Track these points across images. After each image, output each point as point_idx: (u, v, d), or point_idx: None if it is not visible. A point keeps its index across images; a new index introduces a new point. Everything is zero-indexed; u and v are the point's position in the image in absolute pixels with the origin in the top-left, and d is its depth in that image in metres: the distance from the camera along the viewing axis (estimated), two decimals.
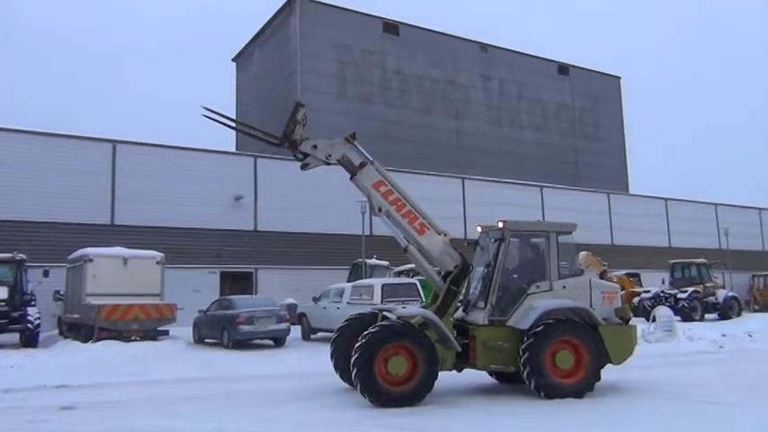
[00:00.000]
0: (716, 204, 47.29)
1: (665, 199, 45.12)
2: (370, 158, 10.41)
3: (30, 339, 19.14)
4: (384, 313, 10.60)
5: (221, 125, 10.58)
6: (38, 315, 19.54)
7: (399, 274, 25.31)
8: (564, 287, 10.41)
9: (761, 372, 12.22)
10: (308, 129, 10.36)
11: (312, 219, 29.88)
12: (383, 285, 18.87)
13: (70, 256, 21.73)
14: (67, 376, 12.98)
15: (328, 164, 10.35)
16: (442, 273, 10.52)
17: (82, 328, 19.87)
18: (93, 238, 23.81)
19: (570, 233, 10.86)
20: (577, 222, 11.09)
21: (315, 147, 10.20)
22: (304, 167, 10.40)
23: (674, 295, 28.66)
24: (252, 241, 29.27)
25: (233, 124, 11.42)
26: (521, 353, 9.78)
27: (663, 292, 29.67)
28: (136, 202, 26.67)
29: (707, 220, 45.84)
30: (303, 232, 30.10)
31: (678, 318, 23.14)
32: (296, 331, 20.98)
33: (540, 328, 9.78)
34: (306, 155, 10.24)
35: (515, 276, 10.80)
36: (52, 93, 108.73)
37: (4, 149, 24.78)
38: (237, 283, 28.31)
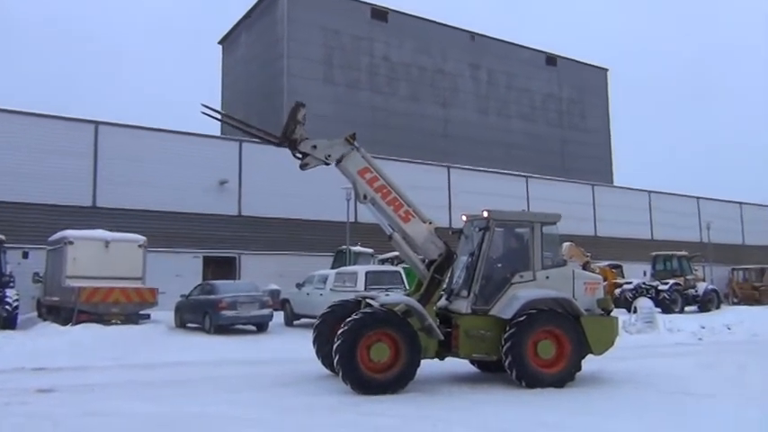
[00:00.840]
0: (698, 198, 47.75)
1: (649, 191, 45.46)
2: (357, 146, 10.36)
3: (8, 321, 18.89)
4: (367, 300, 10.58)
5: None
6: (16, 297, 19.30)
7: (383, 261, 25.29)
8: (547, 277, 10.43)
9: (739, 364, 12.35)
10: None
11: (297, 205, 29.73)
12: (367, 273, 18.85)
13: (50, 238, 21.46)
14: (46, 359, 12.87)
15: (327, 164, 10.30)
16: (426, 261, 10.51)
17: (61, 310, 19.66)
18: (74, 221, 23.51)
19: (555, 224, 10.87)
20: (562, 213, 11.09)
21: (314, 147, 10.18)
22: (303, 167, 10.39)
23: (656, 287, 28.91)
24: (235, 226, 29.09)
25: (232, 122, 11.35)
26: (503, 342, 9.80)
27: (644, 283, 29.93)
28: (118, 185, 26.36)
29: (689, 214, 46.29)
30: (287, 218, 29.96)
31: (659, 309, 23.35)
32: (279, 317, 20.96)
33: (522, 318, 9.80)
34: (305, 154, 10.19)
35: (499, 266, 10.81)
36: (33, 74, 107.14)
37: None
38: (220, 267, 28.14)
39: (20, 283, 20.98)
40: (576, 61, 54.32)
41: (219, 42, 50.30)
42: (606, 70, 56.66)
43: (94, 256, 19.79)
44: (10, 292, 19.29)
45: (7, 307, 18.88)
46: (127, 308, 19.42)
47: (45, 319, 20.83)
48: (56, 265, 20.62)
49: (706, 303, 29.69)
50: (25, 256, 21.71)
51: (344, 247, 25.79)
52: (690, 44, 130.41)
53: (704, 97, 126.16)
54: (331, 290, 19.11)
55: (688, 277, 30.33)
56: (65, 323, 18.67)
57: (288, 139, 10.13)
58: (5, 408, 8.29)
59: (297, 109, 10.16)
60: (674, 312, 27.04)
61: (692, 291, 29.90)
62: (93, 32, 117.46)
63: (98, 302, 18.87)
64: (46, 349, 14.53)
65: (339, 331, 9.33)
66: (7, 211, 24.20)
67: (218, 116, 10.36)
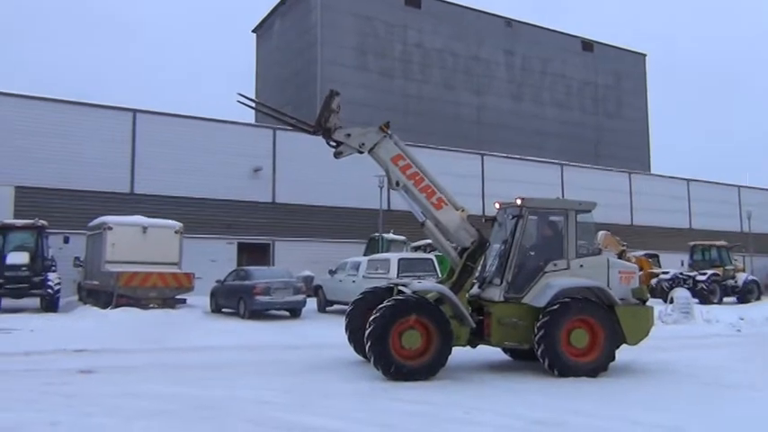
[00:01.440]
0: (739, 186, 46.55)
1: (687, 180, 44.47)
2: (390, 134, 10.34)
3: (50, 304, 19.48)
4: (400, 287, 10.60)
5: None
6: (58, 281, 19.86)
7: (416, 249, 25.29)
8: (581, 266, 10.32)
9: None
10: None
11: (330, 192, 29.87)
12: (399, 260, 18.90)
13: (90, 224, 21.98)
14: (86, 341, 13.19)
15: (361, 152, 10.32)
16: (459, 248, 10.48)
17: (101, 294, 20.16)
18: (113, 207, 24.05)
19: (590, 212, 10.74)
20: (597, 201, 10.95)
21: (348, 135, 10.19)
22: (337, 155, 10.42)
23: (693, 277, 28.33)
24: (269, 213, 29.37)
25: (266, 110, 11.43)
26: (536, 330, 9.74)
27: (681, 273, 29.38)
28: (155, 172, 26.82)
29: (729, 203, 45.17)
30: (321, 205, 30.12)
31: (696, 300, 22.96)
32: (311, 303, 21.14)
33: (556, 307, 9.72)
34: (339, 143, 10.23)
35: (532, 254, 10.72)
36: (70, 62, 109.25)
37: (26, 117, 24.95)
38: (254, 254, 28.48)
39: (61, 268, 21.60)
40: (613, 47, 53.31)
41: (253, 31, 50.58)
42: (644, 56, 55.50)
43: (133, 241, 20.22)
44: (52, 276, 19.86)
45: (49, 290, 19.46)
46: (164, 292, 19.83)
47: (85, 303, 21.39)
48: (95, 250, 21.11)
49: (745, 294, 29.02)
50: (66, 241, 22.30)
51: (377, 234, 25.86)
52: (731, 28, 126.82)
53: (747, 83, 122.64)
54: (363, 277, 19.21)
55: (727, 267, 29.61)
56: (104, 306, 19.15)
57: (322, 128, 10.16)
58: (48, 387, 8.55)
59: (331, 97, 10.17)
60: (712, 303, 26.49)
61: (731, 281, 29.20)
62: (131, 21, 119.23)
63: (136, 287, 19.30)
64: (86, 331, 14.94)
65: (371, 318, 9.36)
66: (49, 197, 24.83)
67: (253, 104, 10.42)
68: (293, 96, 41.60)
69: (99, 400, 7.78)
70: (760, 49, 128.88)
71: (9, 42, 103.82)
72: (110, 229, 20.15)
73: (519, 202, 10.46)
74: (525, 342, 10.07)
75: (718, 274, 28.70)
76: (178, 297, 20.49)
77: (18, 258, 19.65)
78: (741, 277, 29.81)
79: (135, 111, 27.41)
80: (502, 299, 10.17)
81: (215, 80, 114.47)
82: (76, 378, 9.42)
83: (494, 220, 11.35)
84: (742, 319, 19.86)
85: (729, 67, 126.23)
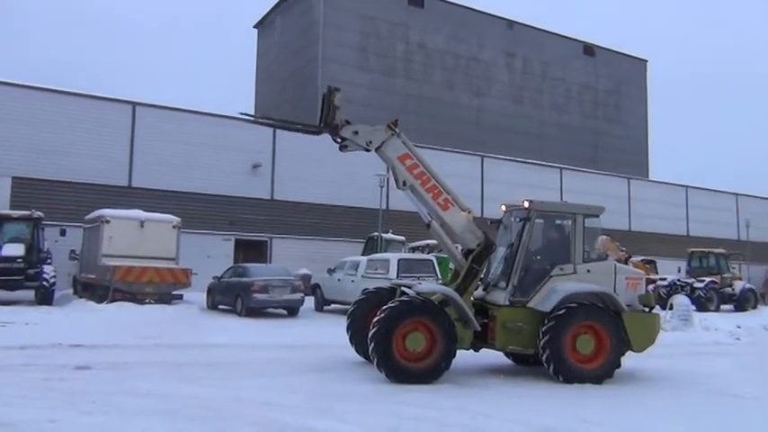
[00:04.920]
0: (737, 194, 46.60)
1: (686, 187, 44.48)
2: (398, 132, 10.20)
3: (45, 297, 19.24)
4: (403, 288, 10.46)
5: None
6: (53, 273, 19.63)
7: (414, 249, 25.18)
8: (588, 271, 10.19)
9: None
10: None
11: (329, 190, 29.72)
12: (399, 260, 18.76)
13: (87, 217, 21.78)
14: (82, 336, 13.00)
15: (368, 150, 10.14)
16: (464, 250, 10.34)
17: (97, 288, 19.96)
18: (110, 200, 23.84)
19: (598, 216, 10.62)
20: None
21: (356, 133, 10.02)
22: (343, 149, 10.23)
23: (691, 284, 28.28)
24: (267, 210, 29.19)
25: (270, 122, 11.22)
26: (541, 335, 9.61)
27: (679, 280, 29.32)
28: (153, 166, 26.62)
29: (727, 210, 45.23)
30: (320, 203, 29.96)
31: (693, 307, 22.87)
32: (309, 302, 20.97)
33: (562, 312, 9.59)
34: (345, 138, 10.06)
35: (539, 258, 10.58)
36: (70, 53, 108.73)
37: (25, 107, 24.73)
38: (252, 251, 28.30)
39: (56, 260, 21.37)
40: (615, 51, 53.27)
41: (255, 26, 50.34)
42: (645, 61, 55.50)
43: (130, 235, 20.02)
44: (47, 269, 19.63)
45: (44, 283, 19.23)
46: (160, 287, 19.64)
47: (80, 296, 21.20)
48: (92, 243, 20.91)
49: (743, 302, 29.01)
50: (62, 233, 22.07)
51: (376, 233, 25.71)
52: (731, 35, 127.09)
53: (747, 90, 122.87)
54: (363, 276, 19.07)
55: (725, 275, 29.58)
56: (100, 300, 18.97)
57: (328, 126, 10.01)
58: (45, 383, 8.38)
59: (332, 94, 10.00)
60: (710, 311, 26.42)
61: (728, 289, 29.18)
62: (130, 15, 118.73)
63: (132, 281, 19.10)
64: (82, 326, 14.76)
65: (375, 319, 9.21)
66: (45, 188, 24.60)
67: (254, 119, 10.34)
68: (293, 93, 41.42)
69: (97, 397, 7.61)
70: (761, 57, 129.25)
71: (9, 33, 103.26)
72: (107, 222, 19.95)
73: (527, 204, 10.32)
74: (530, 346, 9.94)
75: (716, 282, 28.65)
76: (174, 293, 20.30)
77: (13, 250, 19.39)
78: (738, 285, 29.79)
79: (134, 103, 27.21)
80: (507, 302, 10.04)
81: (216, 75, 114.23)
82: (74, 374, 9.24)
83: (499, 222, 11.21)
84: (739, 328, 19.81)
85: (730, 75, 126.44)
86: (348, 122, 10.06)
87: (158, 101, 28.72)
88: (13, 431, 6.01)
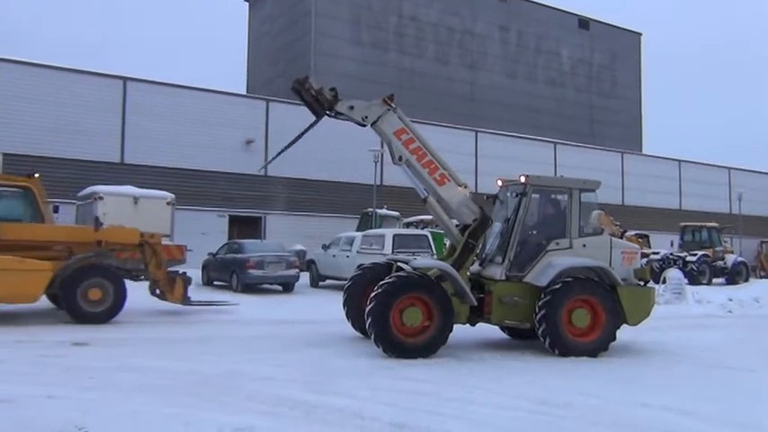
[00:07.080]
0: (729, 168, 46.74)
1: (679, 161, 44.58)
2: (394, 107, 10.11)
3: None
4: (400, 264, 10.47)
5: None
6: None
7: (408, 225, 25.18)
8: (584, 245, 10.23)
9: None
10: (319, 74, 10.04)
11: (323, 166, 29.59)
12: (394, 236, 18.74)
13: (80, 193, 21.57)
14: None
15: (363, 125, 10.07)
16: (460, 225, 10.34)
17: None
18: (103, 176, 23.63)
19: (594, 191, 10.63)
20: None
21: (351, 108, 9.97)
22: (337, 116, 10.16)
23: (683, 258, 28.45)
24: (261, 186, 29.06)
25: (285, 149, 10.80)
26: (537, 309, 9.66)
27: (672, 254, 29.48)
28: (146, 142, 26.42)
29: (719, 184, 45.40)
30: (314, 179, 29.87)
31: (686, 281, 23.04)
32: (304, 278, 21.01)
33: (557, 286, 9.64)
34: (341, 114, 9.98)
35: (535, 232, 10.59)
36: (61, 28, 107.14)
37: (15, 82, 24.42)
38: (246, 227, 28.26)
39: None
40: (610, 25, 52.91)
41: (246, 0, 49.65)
42: (640, 35, 55.19)
43: (124, 211, 19.78)
44: None
45: None
46: None
47: None
48: (85, 219, 20.74)
49: (734, 276, 29.22)
50: (55, 210, 21.78)
51: (370, 209, 25.67)
52: (725, 11, 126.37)
53: (740, 65, 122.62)
54: (358, 252, 19.07)
55: (717, 249, 29.78)
56: None
57: (324, 108, 9.93)
58: (43, 359, 8.38)
59: (304, 85, 9.83)
60: (702, 284, 26.59)
61: (720, 263, 29.39)
62: None
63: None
64: None
65: (372, 294, 9.23)
66: (37, 165, 24.14)
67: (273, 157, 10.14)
68: (285, 67, 41.00)
69: (95, 373, 7.62)
70: (754, 32, 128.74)
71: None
72: (100, 198, 19.75)
73: (523, 179, 10.30)
74: (526, 321, 10.00)
75: (708, 255, 28.84)
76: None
77: None
78: (730, 259, 29.99)
79: (125, 78, 26.90)
80: (503, 277, 10.08)
81: (207, 50, 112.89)
82: (71, 350, 9.27)
83: (495, 197, 11.21)
84: (731, 301, 19.96)
85: (724, 50, 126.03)
86: (335, 91, 9.92)
87: (149, 76, 28.44)
88: (13, 407, 6.00)
